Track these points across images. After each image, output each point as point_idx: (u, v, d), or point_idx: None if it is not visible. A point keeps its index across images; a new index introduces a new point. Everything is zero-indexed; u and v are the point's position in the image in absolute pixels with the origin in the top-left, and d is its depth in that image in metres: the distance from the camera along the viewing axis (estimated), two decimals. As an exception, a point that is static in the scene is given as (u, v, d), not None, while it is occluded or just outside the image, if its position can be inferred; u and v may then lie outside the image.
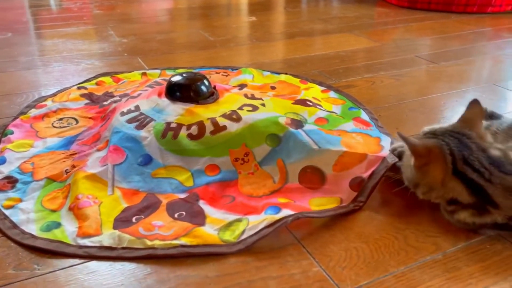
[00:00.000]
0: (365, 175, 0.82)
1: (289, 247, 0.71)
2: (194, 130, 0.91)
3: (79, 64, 1.50)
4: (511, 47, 1.75)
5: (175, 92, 1.01)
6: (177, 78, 1.03)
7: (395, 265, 0.67)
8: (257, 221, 0.73)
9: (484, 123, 1.03)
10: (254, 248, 0.71)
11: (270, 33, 1.95)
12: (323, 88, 1.28)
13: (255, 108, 0.98)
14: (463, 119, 0.79)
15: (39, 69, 1.47)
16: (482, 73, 1.51)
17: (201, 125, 0.92)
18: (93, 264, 0.68)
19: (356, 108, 1.15)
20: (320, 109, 1.10)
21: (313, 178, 0.85)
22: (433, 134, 0.78)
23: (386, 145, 0.93)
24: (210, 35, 1.88)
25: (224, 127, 0.91)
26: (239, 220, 0.75)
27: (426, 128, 0.84)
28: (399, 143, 0.87)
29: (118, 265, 0.67)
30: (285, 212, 0.75)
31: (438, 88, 1.33)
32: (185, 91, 1.01)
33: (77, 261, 0.68)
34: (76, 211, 0.76)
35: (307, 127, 0.94)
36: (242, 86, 1.26)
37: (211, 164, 0.88)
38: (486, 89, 1.33)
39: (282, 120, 0.93)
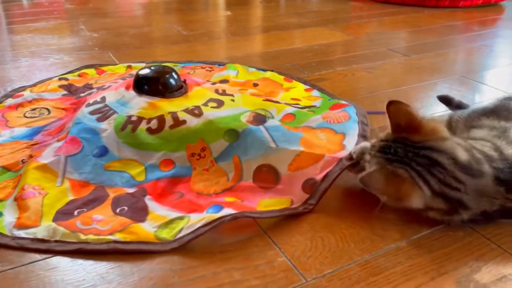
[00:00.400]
0: (319, 177, 0.81)
1: (255, 238, 0.71)
2: (153, 124, 0.90)
3: (47, 59, 1.47)
4: (481, 40, 1.78)
5: (143, 85, 1.00)
6: (145, 71, 1.02)
7: (360, 254, 0.67)
8: (196, 220, 0.72)
9: (449, 112, 1.04)
10: (220, 239, 0.70)
11: (245, 27, 1.94)
12: (307, 87, 1.26)
13: (220, 104, 0.96)
14: (396, 128, 0.74)
15: (7, 64, 1.43)
16: (452, 65, 1.54)
17: (161, 119, 0.91)
18: (54, 260, 0.66)
19: (337, 99, 1.14)
20: (290, 106, 1.08)
21: (267, 177, 0.83)
22: (396, 156, 0.70)
23: (348, 144, 0.91)
24: (184, 30, 1.86)
25: (184, 122, 0.90)
26: (180, 218, 0.74)
27: (376, 141, 0.77)
28: (362, 144, 0.83)
29: (80, 260, 0.66)
30: (226, 211, 0.74)
31: (409, 80, 1.35)
32: (153, 84, 0.99)
33: (38, 257, 0.67)
34: (20, 201, 0.75)
35: (269, 123, 0.92)
36: (223, 81, 1.25)
37: (166, 159, 0.87)
38: (456, 81, 1.35)
39: (244, 118, 0.91)
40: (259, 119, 0.92)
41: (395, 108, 0.73)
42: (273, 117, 0.99)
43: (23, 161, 0.86)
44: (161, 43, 1.70)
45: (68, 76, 1.29)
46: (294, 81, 1.30)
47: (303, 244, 0.69)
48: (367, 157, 0.76)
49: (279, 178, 0.83)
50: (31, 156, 0.87)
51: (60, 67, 1.38)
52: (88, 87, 1.20)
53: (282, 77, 1.33)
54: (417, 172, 0.69)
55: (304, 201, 0.78)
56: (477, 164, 0.70)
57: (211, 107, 0.95)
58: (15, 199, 0.76)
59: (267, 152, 0.85)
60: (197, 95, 0.99)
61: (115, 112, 0.93)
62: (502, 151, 0.73)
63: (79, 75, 1.30)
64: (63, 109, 1.08)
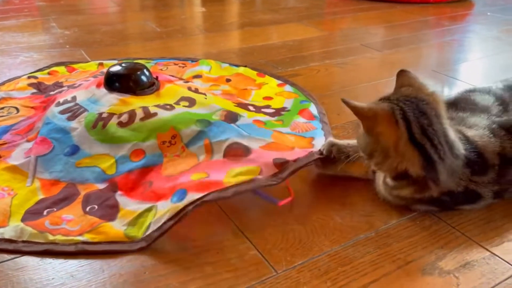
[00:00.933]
0: (290, 159, 0.81)
1: (227, 232, 0.71)
2: (124, 118, 0.90)
3: (17, 57, 1.44)
4: (452, 35, 1.82)
5: (113, 82, 0.99)
6: (116, 68, 1.01)
7: (330, 245, 0.69)
8: (162, 212, 0.71)
9: None
10: (192, 234, 0.70)
11: (219, 23, 1.94)
12: (280, 82, 1.27)
13: (192, 103, 0.96)
14: (400, 86, 0.76)
15: (-25, 63, 1.40)
16: (424, 60, 1.57)
17: (132, 113, 0.90)
18: (23, 259, 0.65)
19: (307, 101, 1.14)
20: (263, 113, 1.07)
21: (237, 152, 0.82)
22: (387, 99, 0.73)
23: (317, 144, 0.92)
24: (158, 26, 1.85)
25: (155, 114, 0.90)
26: (148, 210, 0.73)
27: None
28: (330, 140, 0.84)
29: (49, 259, 0.66)
30: (190, 196, 0.72)
31: (380, 75, 1.37)
32: (124, 81, 0.98)
33: (6, 257, 0.66)
34: None
35: (241, 121, 0.92)
36: (196, 77, 1.25)
37: (136, 149, 0.86)
38: (426, 75, 1.38)
39: (216, 117, 0.91)
40: (231, 117, 0.93)
41: (402, 74, 0.77)
42: (244, 117, 0.99)
43: None
44: (135, 40, 1.68)
45: (38, 74, 1.27)
46: (266, 76, 1.31)
47: (274, 237, 0.70)
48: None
49: (249, 151, 0.82)
50: (0, 156, 0.86)
51: (30, 65, 1.36)
52: (59, 85, 1.18)
53: (255, 72, 1.33)
54: (401, 109, 0.69)
55: (273, 174, 0.76)
56: (457, 150, 0.70)
57: (183, 105, 0.94)
58: None
59: (239, 137, 0.85)
60: (169, 93, 0.99)
61: (85, 110, 0.92)
62: (464, 133, 0.75)
63: (49, 73, 1.28)
64: (32, 107, 1.06)
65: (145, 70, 1.01)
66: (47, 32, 1.73)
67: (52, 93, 1.11)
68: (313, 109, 1.11)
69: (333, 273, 0.63)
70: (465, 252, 0.67)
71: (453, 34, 1.84)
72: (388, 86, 1.27)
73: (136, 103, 0.93)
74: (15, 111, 1.04)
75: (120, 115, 0.90)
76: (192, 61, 1.40)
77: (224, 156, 0.83)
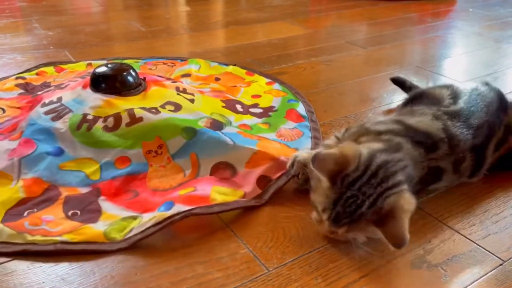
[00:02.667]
0: (274, 176, 0.82)
1: (217, 232, 0.72)
2: (110, 122, 0.89)
3: (-1, 59, 1.42)
4: (435, 31, 1.84)
5: (100, 83, 0.98)
6: (102, 69, 1.00)
7: (320, 241, 0.69)
8: (147, 219, 0.71)
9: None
10: (182, 234, 0.71)
11: (204, 22, 1.93)
12: (268, 80, 1.27)
13: (177, 108, 0.95)
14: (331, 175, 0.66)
15: (-44, 65, 1.37)
16: (408, 56, 1.58)
17: (117, 116, 0.90)
18: (12, 264, 0.65)
19: (295, 101, 1.15)
20: (250, 114, 1.07)
21: (224, 172, 0.84)
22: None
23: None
24: (142, 26, 1.84)
25: (141, 119, 0.89)
26: (133, 218, 0.73)
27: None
28: (294, 156, 0.81)
29: (40, 262, 0.65)
30: (177, 208, 0.73)
31: (366, 72, 1.38)
32: (110, 82, 0.98)
33: (-6, 262, 0.65)
34: None
35: (226, 129, 0.92)
36: (185, 76, 1.25)
37: (122, 156, 0.86)
38: (410, 71, 1.40)
39: (202, 123, 0.91)
40: (216, 125, 0.93)
41: (319, 162, 0.66)
42: (230, 123, 0.99)
43: None
44: (119, 40, 1.67)
45: (26, 75, 1.25)
46: (255, 74, 1.31)
47: (265, 235, 0.71)
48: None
49: (236, 173, 0.83)
50: None
51: (13, 67, 1.34)
52: (46, 85, 1.17)
53: (244, 71, 1.34)
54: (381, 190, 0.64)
55: (257, 195, 0.79)
56: (393, 146, 0.71)
57: (168, 110, 0.94)
58: None
59: (225, 149, 0.85)
60: (156, 95, 0.98)
61: (70, 111, 0.91)
62: (404, 122, 0.79)
63: (37, 74, 1.27)
64: (18, 107, 1.05)
65: (131, 71, 1.00)
66: (30, 33, 1.70)
67: (39, 93, 1.10)
68: (301, 109, 1.11)
69: (324, 269, 0.64)
70: (452, 245, 0.69)
71: (436, 30, 1.87)
72: (374, 83, 1.29)
73: (121, 104, 0.92)
74: (1, 112, 1.02)
75: (106, 118, 0.90)
76: (181, 60, 1.39)
77: (211, 174, 0.83)
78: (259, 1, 2.36)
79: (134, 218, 0.73)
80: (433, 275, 0.63)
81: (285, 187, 0.81)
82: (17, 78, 1.22)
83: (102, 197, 0.79)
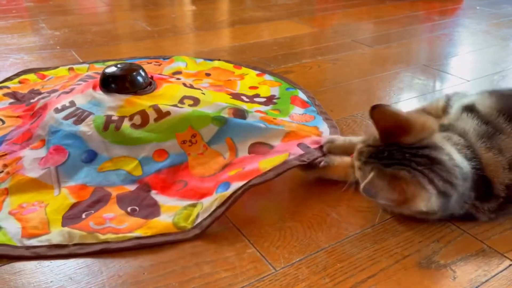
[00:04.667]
0: (312, 146, 0.85)
1: (225, 231, 0.71)
2: (137, 120, 0.89)
3: (7, 59, 1.42)
4: (441, 30, 1.83)
5: (110, 84, 0.97)
6: (111, 70, 0.99)
7: (327, 241, 0.69)
8: (209, 203, 0.73)
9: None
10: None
11: (209, 22, 1.93)
12: (258, 72, 1.30)
13: (196, 101, 0.96)
14: (384, 133, 0.69)
15: (-36, 65, 1.38)
16: (414, 54, 1.58)
17: (143, 113, 0.90)
18: (20, 264, 0.65)
19: (293, 88, 1.17)
20: (257, 103, 1.09)
21: (262, 149, 0.86)
22: (394, 160, 0.66)
23: (324, 131, 0.96)
24: (148, 25, 1.84)
25: (168, 113, 0.89)
26: (193, 205, 0.75)
27: (362, 146, 0.72)
28: (330, 137, 0.87)
29: (47, 262, 0.65)
30: (235, 185, 0.75)
31: (372, 71, 1.38)
32: (121, 82, 0.97)
33: (3, 261, 0.65)
34: (19, 216, 0.73)
35: (249, 118, 0.93)
36: (176, 73, 1.25)
37: (158, 149, 0.86)
38: (417, 69, 1.39)
39: (225, 114, 0.92)
40: (239, 114, 0.94)
41: (379, 113, 0.67)
42: (248, 112, 0.99)
43: None
44: (125, 40, 1.67)
45: (8, 84, 1.22)
46: (243, 67, 1.33)
47: (271, 235, 0.70)
48: (356, 163, 0.72)
49: (273, 147, 0.86)
50: (5, 166, 0.84)
51: (20, 67, 1.35)
52: (36, 92, 1.15)
53: (231, 65, 1.36)
54: (420, 171, 0.64)
55: (301, 154, 0.81)
56: (463, 165, 0.68)
57: (188, 105, 0.94)
58: (11, 214, 0.73)
59: (258, 132, 0.88)
60: (170, 92, 0.98)
61: (90, 113, 0.91)
62: (475, 150, 0.71)
63: (20, 82, 1.24)
64: (17, 117, 1.03)
65: (140, 71, 1.00)
66: (36, 33, 1.71)
67: (32, 101, 1.09)
68: (302, 95, 1.15)
69: (331, 269, 0.64)
70: (461, 245, 0.68)
71: (443, 28, 1.85)
72: (381, 81, 1.29)
73: (143, 102, 0.92)
74: (1, 123, 1.01)
75: (132, 116, 0.90)
76: (164, 58, 1.40)
77: (249, 152, 0.85)
78: (265, 0, 2.35)
79: (194, 205, 0.75)
80: (442, 275, 0.63)
81: (291, 185, 0.81)
82: (0, 88, 1.19)
83: (153, 191, 0.80)
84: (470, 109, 0.77)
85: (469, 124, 0.74)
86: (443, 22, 1.94)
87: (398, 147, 0.67)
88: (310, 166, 0.81)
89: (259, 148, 0.86)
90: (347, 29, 1.82)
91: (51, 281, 0.62)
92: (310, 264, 0.65)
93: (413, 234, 0.70)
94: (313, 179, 0.84)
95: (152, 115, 0.89)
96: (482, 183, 0.69)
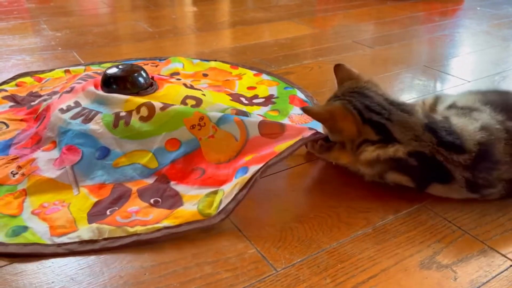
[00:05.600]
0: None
1: (226, 232, 0.72)
2: (143, 111, 0.89)
3: (8, 60, 1.43)
4: (442, 30, 1.83)
5: (111, 84, 0.98)
6: (113, 70, 0.99)
7: (328, 242, 0.69)
8: (231, 188, 0.74)
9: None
10: (191, 234, 0.70)
11: (210, 23, 1.94)
12: (255, 72, 1.31)
13: (198, 102, 0.96)
14: (340, 82, 0.88)
15: (-35, 66, 1.38)
16: (415, 55, 1.58)
17: (149, 105, 0.90)
18: (22, 264, 0.65)
19: (291, 88, 1.18)
20: (256, 105, 1.10)
21: (272, 126, 0.87)
22: (335, 96, 0.85)
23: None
24: (149, 26, 1.84)
25: (173, 105, 0.90)
26: (214, 193, 0.76)
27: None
28: None
29: (49, 262, 0.65)
30: (252, 169, 0.76)
31: (373, 71, 1.38)
32: (122, 83, 0.97)
33: (5, 261, 0.65)
34: (43, 215, 0.74)
35: (252, 117, 0.93)
36: (174, 74, 1.25)
37: (170, 138, 0.87)
38: (418, 70, 1.39)
39: (228, 113, 0.93)
40: (242, 114, 0.94)
41: (339, 69, 0.89)
42: (249, 113, 1.00)
43: (13, 173, 0.83)
44: (127, 41, 1.67)
45: (5, 87, 1.21)
46: (240, 68, 1.34)
47: (272, 236, 0.71)
48: None
49: (284, 127, 0.86)
50: (19, 167, 0.84)
51: (22, 68, 1.35)
52: (35, 95, 1.15)
53: (228, 65, 1.36)
54: (349, 101, 0.80)
55: (313, 133, 0.83)
56: (409, 106, 0.80)
57: (191, 105, 0.95)
58: (34, 214, 0.74)
59: (264, 118, 0.90)
60: (172, 92, 0.98)
61: (98, 112, 0.91)
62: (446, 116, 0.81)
63: (17, 85, 1.23)
64: (21, 120, 1.03)
65: (142, 72, 1.00)
66: (38, 34, 1.71)
67: (33, 103, 1.09)
68: (300, 95, 1.16)
69: (332, 270, 0.64)
70: (462, 246, 0.68)
71: (444, 29, 1.85)
72: (382, 82, 1.28)
73: (146, 101, 0.92)
74: (5, 126, 1.00)
75: (138, 109, 0.90)
76: (161, 59, 1.40)
77: (261, 133, 0.86)
78: (266, 0, 2.36)
79: (215, 192, 0.76)
80: (443, 276, 0.63)
81: (292, 185, 0.81)
82: None
83: (172, 182, 0.81)
84: (451, 106, 0.87)
85: (450, 113, 0.84)
86: (444, 23, 1.94)
87: (343, 92, 0.84)
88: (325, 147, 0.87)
89: (270, 126, 0.87)
90: (348, 30, 1.83)
91: (52, 282, 0.62)
92: (311, 264, 0.65)
93: (414, 235, 0.70)
94: (312, 178, 0.84)
95: (158, 105, 0.90)
96: (447, 133, 0.75)
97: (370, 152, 0.76)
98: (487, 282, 0.62)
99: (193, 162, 0.84)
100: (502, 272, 0.64)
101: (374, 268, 0.64)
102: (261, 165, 0.76)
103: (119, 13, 2.14)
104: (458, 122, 0.78)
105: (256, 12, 2.11)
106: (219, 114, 0.89)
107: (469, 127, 0.76)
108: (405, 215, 0.75)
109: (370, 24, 1.93)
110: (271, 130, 0.86)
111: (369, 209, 0.76)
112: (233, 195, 0.73)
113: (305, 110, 0.84)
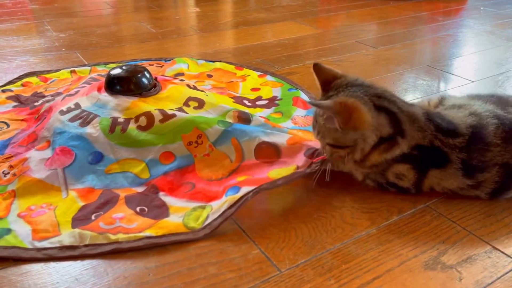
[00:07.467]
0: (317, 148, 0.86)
1: (229, 233, 0.72)
2: (142, 121, 0.89)
3: (12, 61, 1.43)
4: (445, 30, 1.83)
5: (115, 85, 0.98)
6: (116, 71, 1.00)
7: (332, 242, 0.69)
8: (219, 204, 0.74)
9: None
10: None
11: (213, 23, 1.94)
12: (260, 73, 1.31)
13: (201, 103, 0.96)
14: (323, 83, 0.84)
15: (-30, 68, 1.39)
16: (419, 55, 1.57)
17: (149, 115, 0.90)
18: (27, 265, 0.65)
19: (294, 89, 1.18)
20: (259, 107, 1.10)
21: (268, 152, 0.86)
22: (335, 90, 0.80)
23: None
24: (153, 27, 1.84)
25: (174, 115, 0.90)
26: (202, 207, 0.76)
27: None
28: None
29: (53, 263, 0.66)
30: (244, 189, 0.76)
31: (376, 72, 1.38)
32: (126, 84, 0.98)
33: (10, 262, 0.66)
34: (28, 218, 0.73)
35: (254, 121, 0.94)
36: (178, 75, 1.26)
37: (165, 151, 0.87)
38: (421, 70, 1.39)
39: (229, 119, 0.93)
40: (244, 118, 0.94)
41: (318, 68, 0.85)
42: (252, 116, 1.00)
43: (4, 174, 0.83)
44: (130, 41, 1.68)
45: (11, 87, 1.22)
46: (244, 69, 1.34)
47: (276, 236, 0.71)
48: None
49: (280, 151, 0.86)
50: (11, 167, 0.84)
51: (26, 69, 1.35)
52: (39, 95, 1.15)
53: (233, 66, 1.36)
54: (353, 91, 0.77)
55: (309, 164, 0.81)
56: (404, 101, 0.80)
57: (193, 107, 0.95)
58: (20, 216, 0.74)
59: (263, 133, 0.89)
60: (176, 93, 0.99)
61: (96, 115, 0.91)
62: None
63: (23, 85, 1.24)
64: (22, 120, 1.04)
65: (145, 73, 1.00)
66: (42, 35, 1.72)
67: (36, 104, 1.09)
68: (303, 96, 1.15)
69: (336, 271, 0.64)
70: (467, 246, 0.68)
71: (447, 29, 1.85)
72: (385, 82, 1.28)
73: (148, 105, 0.92)
74: (6, 126, 1.01)
75: (137, 118, 0.90)
76: (166, 60, 1.40)
77: (256, 157, 0.85)
78: (269, 1, 2.36)
79: (203, 207, 0.76)
80: (448, 276, 0.63)
81: (296, 187, 0.81)
82: (3, 91, 1.19)
83: (161, 193, 0.80)
84: (447, 107, 0.88)
85: (443, 109, 0.86)
86: (447, 23, 1.94)
87: (341, 88, 0.80)
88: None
89: (266, 150, 0.86)
90: (351, 30, 1.82)
91: (57, 282, 0.62)
92: (315, 265, 0.65)
93: (419, 235, 0.70)
94: (317, 179, 0.84)
95: (158, 116, 0.90)
96: (442, 120, 0.78)
97: (376, 157, 0.76)
98: (492, 283, 0.62)
99: (185, 177, 0.84)
100: (507, 272, 0.64)
101: (379, 269, 0.64)
102: (253, 187, 0.75)
103: (122, 14, 2.14)
104: (448, 113, 0.82)
105: (258, 13, 2.11)
106: (219, 132, 0.88)
107: (458, 114, 0.80)
108: (409, 215, 0.75)
109: (373, 24, 1.93)
110: (267, 156, 0.86)
111: (372, 210, 0.76)
112: (220, 212, 0.72)
113: (315, 104, 0.81)
